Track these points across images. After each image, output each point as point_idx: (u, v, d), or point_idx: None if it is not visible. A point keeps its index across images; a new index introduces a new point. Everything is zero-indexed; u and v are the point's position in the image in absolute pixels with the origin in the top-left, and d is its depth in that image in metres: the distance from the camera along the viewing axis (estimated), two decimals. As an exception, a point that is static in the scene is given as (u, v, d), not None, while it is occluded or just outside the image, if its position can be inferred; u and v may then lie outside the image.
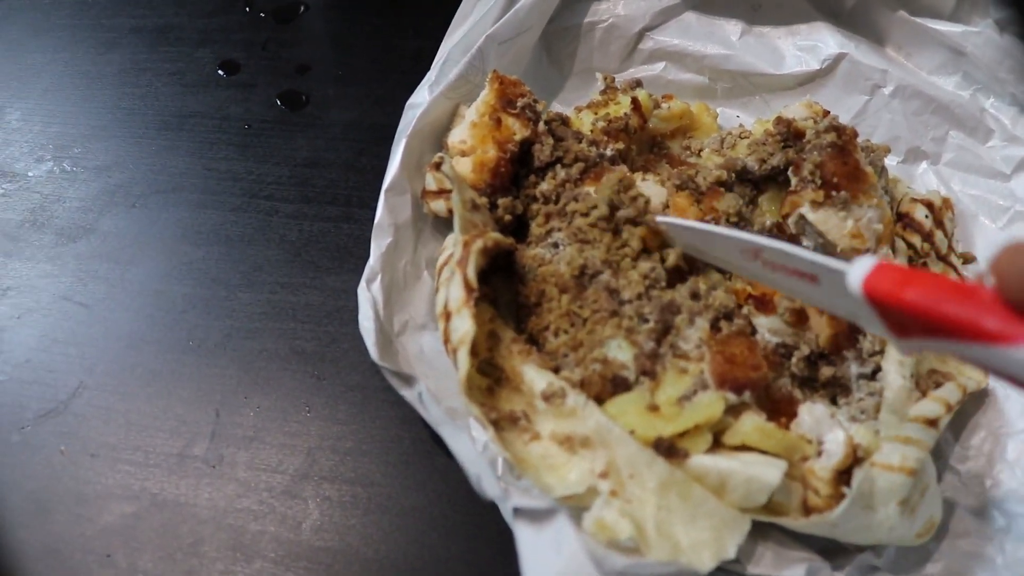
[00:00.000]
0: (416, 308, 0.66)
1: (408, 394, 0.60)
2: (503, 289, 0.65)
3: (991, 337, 0.34)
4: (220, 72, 0.86)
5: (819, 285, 0.48)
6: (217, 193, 0.79)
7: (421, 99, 0.70)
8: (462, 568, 0.60)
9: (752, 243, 0.53)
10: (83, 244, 0.77)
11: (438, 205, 0.67)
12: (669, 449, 0.54)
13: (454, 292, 0.58)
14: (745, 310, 0.62)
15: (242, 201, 0.78)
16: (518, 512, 0.51)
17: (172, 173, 0.80)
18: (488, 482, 0.51)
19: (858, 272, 0.42)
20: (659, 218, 0.62)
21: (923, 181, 0.76)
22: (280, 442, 0.66)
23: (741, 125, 0.76)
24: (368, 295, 0.63)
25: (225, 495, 0.63)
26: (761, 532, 0.59)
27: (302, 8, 0.89)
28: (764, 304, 0.62)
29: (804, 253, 0.48)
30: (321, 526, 0.62)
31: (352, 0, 0.90)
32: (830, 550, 0.61)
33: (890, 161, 0.76)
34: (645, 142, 0.73)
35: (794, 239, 0.66)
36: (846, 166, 0.64)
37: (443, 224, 0.70)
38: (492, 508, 0.60)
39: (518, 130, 0.66)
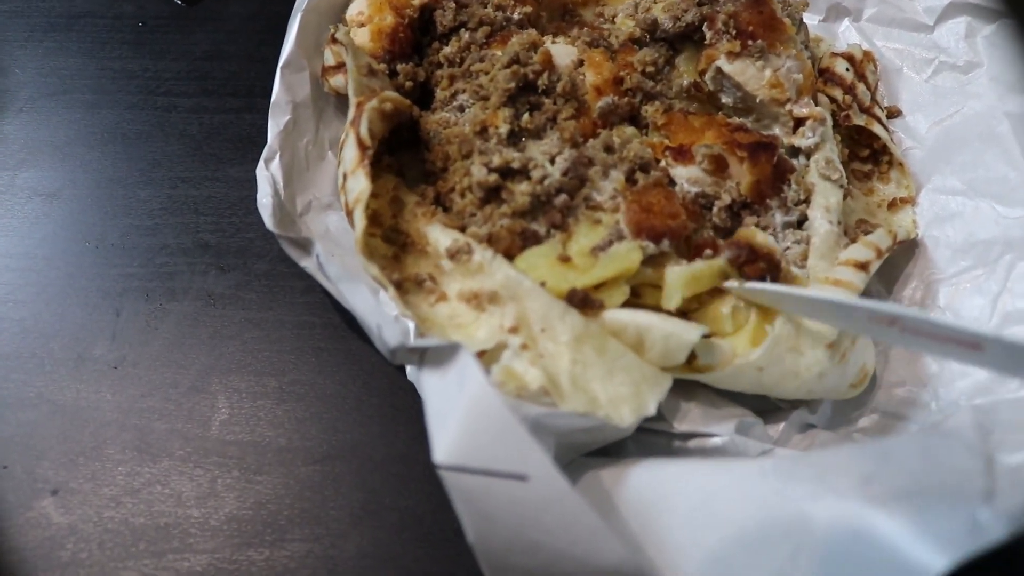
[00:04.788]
0: (321, 188, 0.63)
1: (309, 264, 0.57)
2: (411, 163, 0.61)
3: None
4: (110, -30, 0.81)
5: (982, 352, 0.42)
6: (111, 92, 0.74)
7: (317, -25, 0.66)
8: (380, 451, 0.58)
9: (889, 314, 0.46)
10: (-33, 153, 0.72)
11: (338, 80, 0.64)
12: (583, 300, 0.51)
13: (348, 153, 0.55)
14: (663, 163, 0.59)
15: (138, 98, 0.74)
16: (417, 353, 0.47)
17: (62, 75, 0.75)
18: (389, 330, 0.48)
19: None
20: (748, 284, 0.54)
21: (845, 38, 0.73)
22: (184, 337, 0.62)
23: (656, -11, 0.72)
24: (267, 174, 0.60)
25: (128, 395, 0.60)
26: (688, 391, 0.56)
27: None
28: (683, 155, 0.59)
29: (958, 325, 0.42)
30: (231, 419, 0.59)
31: None
32: (763, 411, 0.58)
33: (811, 20, 0.73)
34: (556, 9, 0.69)
35: (712, 96, 0.63)
36: (761, 15, 0.62)
37: (346, 104, 0.65)
38: (408, 390, 0.57)
39: (416, -5, 0.63)
